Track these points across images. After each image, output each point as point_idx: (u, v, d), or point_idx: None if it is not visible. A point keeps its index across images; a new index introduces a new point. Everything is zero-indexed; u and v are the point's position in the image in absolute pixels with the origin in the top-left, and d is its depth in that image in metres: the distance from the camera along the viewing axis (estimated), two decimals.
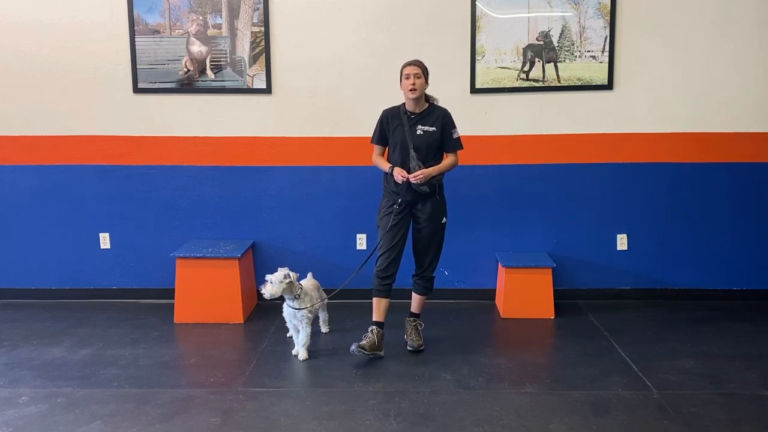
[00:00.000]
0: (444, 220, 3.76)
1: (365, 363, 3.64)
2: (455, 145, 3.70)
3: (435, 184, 3.65)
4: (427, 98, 3.71)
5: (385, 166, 3.71)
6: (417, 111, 3.67)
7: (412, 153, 3.61)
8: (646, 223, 4.66)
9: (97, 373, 3.55)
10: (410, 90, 3.58)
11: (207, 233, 4.73)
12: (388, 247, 3.69)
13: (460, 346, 3.90)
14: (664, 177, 4.61)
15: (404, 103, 3.71)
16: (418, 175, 3.56)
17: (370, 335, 3.69)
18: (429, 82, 3.68)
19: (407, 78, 3.59)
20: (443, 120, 3.66)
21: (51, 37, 4.56)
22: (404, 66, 3.62)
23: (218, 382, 3.43)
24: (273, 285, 3.59)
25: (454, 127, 3.70)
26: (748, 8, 4.43)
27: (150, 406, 3.17)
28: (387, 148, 3.78)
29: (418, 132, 3.64)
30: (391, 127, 3.70)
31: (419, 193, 3.63)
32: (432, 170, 3.61)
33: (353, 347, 3.61)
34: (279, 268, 3.65)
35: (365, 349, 3.61)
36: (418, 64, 3.61)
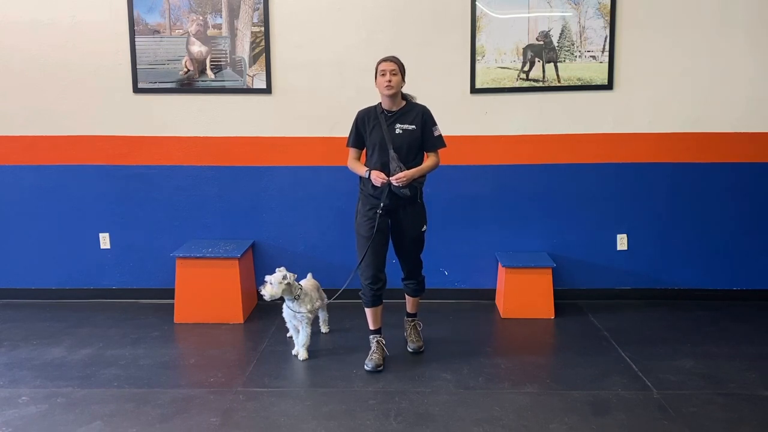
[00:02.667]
0: (424, 228, 3.61)
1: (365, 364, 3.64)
2: (437, 143, 3.52)
3: (417, 187, 3.48)
4: (404, 96, 3.56)
5: (362, 170, 3.51)
6: (394, 109, 3.49)
7: (393, 153, 3.42)
8: (646, 223, 4.66)
9: (97, 373, 3.55)
10: (386, 86, 3.40)
11: (207, 233, 4.73)
12: (373, 256, 3.52)
13: (460, 346, 3.90)
14: (664, 177, 4.61)
15: (380, 103, 3.55)
16: (399, 177, 3.36)
17: (377, 347, 3.64)
18: (407, 80, 3.53)
19: (383, 75, 3.40)
20: (423, 117, 3.49)
21: (51, 37, 4.56)
22: (379, 62, 3.45)
23: (218, 382, 3.43)
24: (272, 286, 3.59)
25: (435, 124, 3.53)
26: (748, 8, 4.42)
27: (150, 406, 3.17)
28: (364, 152, 3.61)
29: (397, 131, 3.45)
30: (368, 128, 3.50)
31: (400, 197, 3.44)
32: (414, 171, 3.41)
33: (370, 367, 3.53)
34: (277, 269, 3.64)
35: (381, 365, 3.57)
36: (393, 60, 3.44)
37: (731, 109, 4.53)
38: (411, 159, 3.49)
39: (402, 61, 3.50)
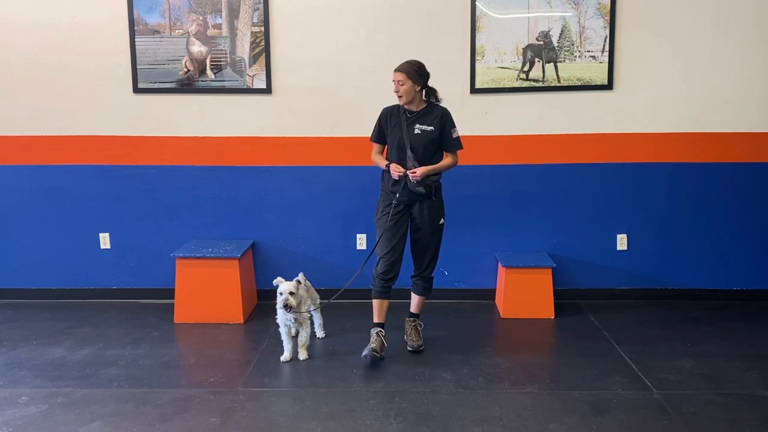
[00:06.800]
0: (442, 221, 3.74)
1: (365, 363, 3.63)
2: (455, 144, 3.67)
3: (431, 185, 3.61)
4: (430, 96, 3.68)
5: (383, 163, 3.69)
6: (415, 110, 3.65)
7: (409, 153, 3.59)
8: (646, 223, 4.66)
9: (97, 373, 3.55)
10: (396, 94, 3.60)
11: (207, 233, 4.73)
12: (389, 249, 3.65)
13: (460, 346, 3.90)
14: (663, 177, 4.61)
15: None
16: (415, 172, 3.52)
17: (377, 337, 3.68)
18: (424, 83, 3.62)
19: (394, 84, 3.59)
20: (442, 119, 3.63)
21: (51, 37, 4.56)
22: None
23: (218, 382, 3.44)
24: (299, 290, 3.61)
25: (454, 126, 3.67)
26: (747, 8, 4.43)
27: (150, 406, 3.17)
28: (386, 147, 3.76)
29: (416, 131, 3.61)
30: (390, 126, 3.68)
31: (416, 194, 3.61)
32: (429, 168, 3.56)
33: (366, 352, 3.58)
34: (296, 278, 3.66)
35: (378, 352, 3.60)
36: (401, 69, 3.56)
37: (731, 109, 4.53)
38: (428, 159, 3.64)
39: (415, 68, 3.57)
